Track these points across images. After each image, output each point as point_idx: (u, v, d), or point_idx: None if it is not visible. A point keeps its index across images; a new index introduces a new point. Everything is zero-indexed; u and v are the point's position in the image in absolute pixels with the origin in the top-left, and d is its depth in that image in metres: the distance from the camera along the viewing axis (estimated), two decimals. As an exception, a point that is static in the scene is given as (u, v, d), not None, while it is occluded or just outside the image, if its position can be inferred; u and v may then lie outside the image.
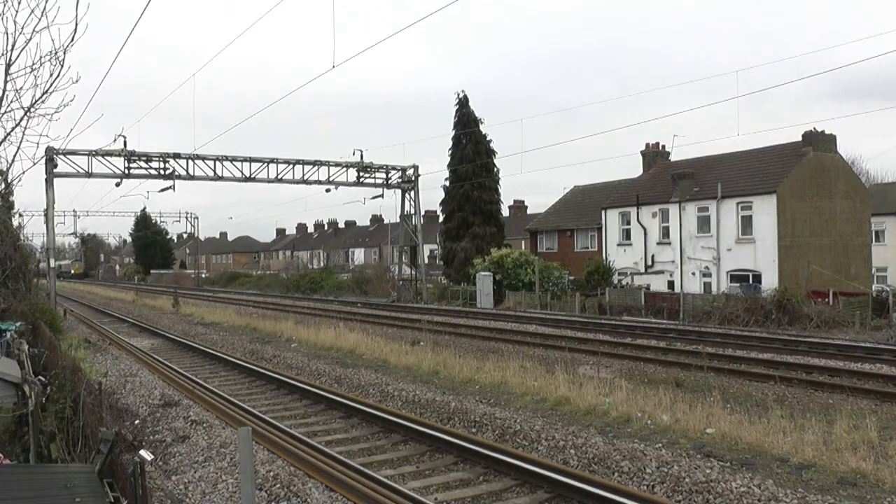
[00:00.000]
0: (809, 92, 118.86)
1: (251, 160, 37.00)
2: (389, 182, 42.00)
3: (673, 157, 40.60)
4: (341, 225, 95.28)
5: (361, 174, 40.36)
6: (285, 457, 9.03)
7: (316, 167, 38.61)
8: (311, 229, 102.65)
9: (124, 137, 33.58)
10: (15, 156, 8.72)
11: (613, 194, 40.65)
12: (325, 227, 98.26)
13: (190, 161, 35.62)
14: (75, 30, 7.22)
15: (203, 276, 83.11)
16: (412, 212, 43.10)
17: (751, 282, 30.97)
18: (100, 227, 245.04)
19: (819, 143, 32.44)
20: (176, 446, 10.03)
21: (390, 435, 10.55)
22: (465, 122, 44.60)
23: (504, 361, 15.36)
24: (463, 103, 45.03)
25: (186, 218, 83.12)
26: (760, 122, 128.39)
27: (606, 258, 37.52)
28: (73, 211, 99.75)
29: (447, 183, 45.87)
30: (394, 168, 41.82)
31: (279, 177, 37.71)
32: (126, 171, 34.30)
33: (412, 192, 42.55)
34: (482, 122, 44.87)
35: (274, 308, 37.07)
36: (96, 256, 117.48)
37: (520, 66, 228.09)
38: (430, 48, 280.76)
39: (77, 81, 7.90)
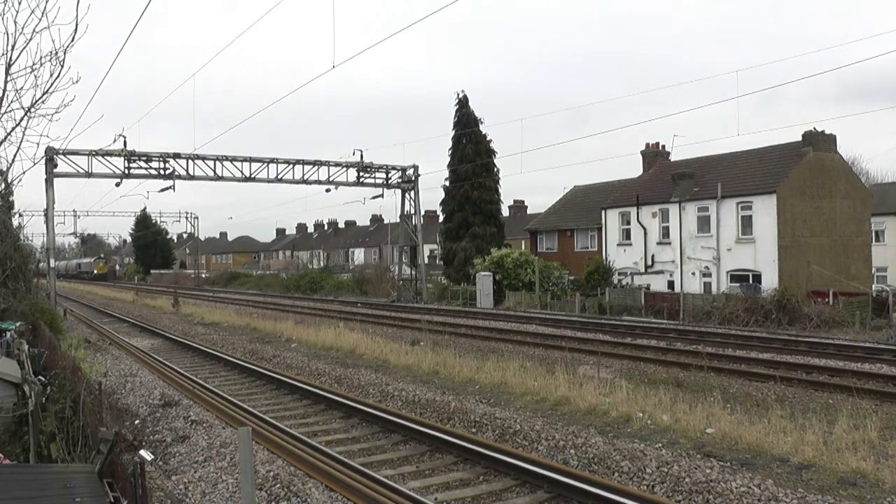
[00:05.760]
0: (815, 94, 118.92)
1: (251, 160, 36.98)
2: (389, 182, 41.98)
3: (673, 157, 40.61)
4: (341, 225, 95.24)
5: (361, 174, 40.34)
6: (285, 457, 9.02)
7: (316, 167, 38.59)
8: (311, 229, 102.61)
9: (124, 137, 33.60)
10: (15, 156, 8.75)
11: (613, 194, 40.64)
12: (325, 227, 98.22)
13: (190, 161, 35.60)
14: (75, 30, 7.24)
15: (203, 276, 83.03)
16: (412, 212, 43.09)
17: (751, 282, 30.96)
18: (100, 227, 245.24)
19: (819, 143, 32.43)
20: (176, 446, 10.02)
21: (390, 435, 10.54)
22: (465, 122, 44.59)
23: (504, 361, 15.35)
24: (463, 103, 45.01)
25: (186, 218, 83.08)
26: (767, 123, 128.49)
27: (606, 258, 37.51)
28: (73, 211, 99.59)
29: (447, 183, 45.86)
30: (394, 168, 41.81)
31: (279, 177, 37.70)
32: (126, 171, 34.28)
33: (412, 192, 42.54)
34: (482, 122, 44.90)
35: (274, 308, 37.06)
36: (96, 256, 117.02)
37: (521, 66, 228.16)
38: (430, 48, 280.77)
39: (77, 81, 7.92)
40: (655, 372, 15.26)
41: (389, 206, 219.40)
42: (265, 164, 37.17)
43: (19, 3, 7.27)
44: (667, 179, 36.48)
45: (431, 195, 73.95)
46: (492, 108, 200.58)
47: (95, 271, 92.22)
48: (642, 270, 36.08)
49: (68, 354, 12.47)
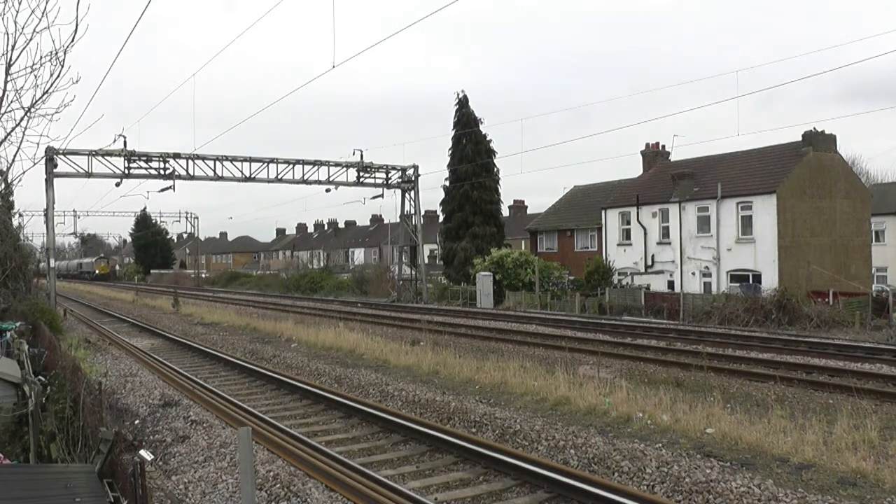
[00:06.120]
0: (815, 94, 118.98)
1: (251, 160, 36.99)
2: (389, 182, 41.99)
3: (673, 157, 40.61)
4: (341, 225, 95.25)
5: (361, 174, 40.35)
6: (285, 457, 9.03)
7: (316, 167, 38.60)
8: (311, 229, 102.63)
9: (124, 137, 33.62)
10: (15, 156, 8.74)
11: (613, 194, 40.64)
12: (325, 227, 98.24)
13: (190, 161, 35.61)
14: (76, 30, 7.23)
15: (203, 276, 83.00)
16: (412, 212, 43.10)
17: (751, 282, 30.96)
18: (100, 227, 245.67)
19: (819, 143, 32.43)
20: (176, 446, 10.03)
21: (390, 435, 10.55)
22: (465, 122, 44.60)
23: (504, 361, 15.35)
24: (463, 103, 45.02)
25: (186, 218, 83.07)
26: (767, 123, 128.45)
27: (606, 258, 37.51)
28: (73, 211, 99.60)
29: (447, 183, 45.87)
30: (394, 168, 41.82)
31: (279, 177, 37.70)
32: (126, 171, 34.29)
33: (412, 192, 42.55)
34: (482, 122, 44.92)
35: (274, 308, 37.06)
36: (98, 256, 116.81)
37: (521, 66, 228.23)
38: (430, 48, 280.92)
39: (77, 81, 7.91)
40: (655, 372, 15.26)
41: (389, 206, 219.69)
42: (265, 164, 37.17)
43: (19, 3, 7.26)
44: (667, 179, 36.49)
45: (431, 195, 74.05)
46: (492, 108, 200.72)
47: (97, 271, 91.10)
48: (642, 270, 36.08)
49: (68, 354, 12.48)
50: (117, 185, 35.21)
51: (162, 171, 35.04)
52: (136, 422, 11.57)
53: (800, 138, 33.03)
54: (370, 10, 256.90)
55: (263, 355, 19.39)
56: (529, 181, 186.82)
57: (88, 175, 33.65)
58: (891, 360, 15.79)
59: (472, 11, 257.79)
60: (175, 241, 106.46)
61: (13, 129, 8.23)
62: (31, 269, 26.91)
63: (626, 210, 37.65)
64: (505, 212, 52.17)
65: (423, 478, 8.63)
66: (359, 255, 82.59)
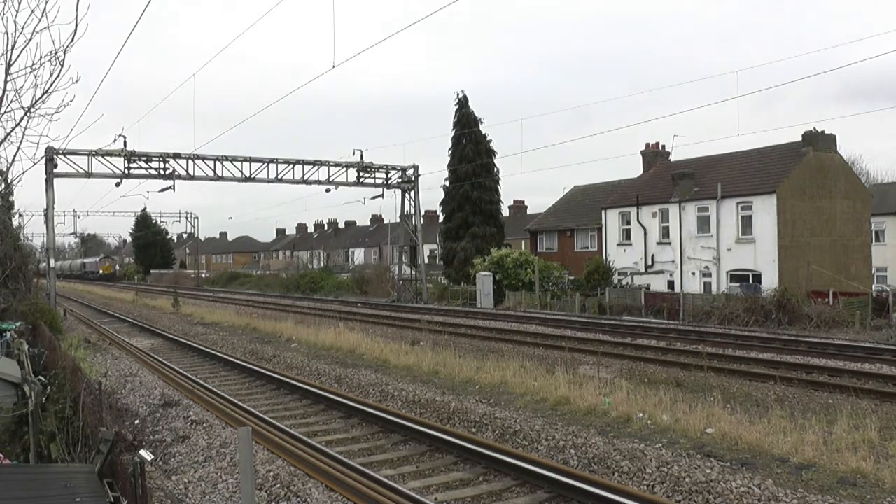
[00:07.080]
0: (815, 94, 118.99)
1: (251, 160, 36.98)
2: (389, 182, 41.99)
3: (673, 157, 40.61)
4: (341, 225, 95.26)
5: (361, 174, 40.35)
6: (285, 457, 9.03)
7: (316, 167, 38.60)
8: (311, 229, 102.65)
9: (124, 137, 33.62)
10: (15, 156, 8.78)
11: (613, 194, 40.65)
12: (325, 227, 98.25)
13: (190, 161, 35.60)
14: (75, 30, 7.25)
15: (203, 276, 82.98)
16: (412, 212, 43.10)
17: (751, 282, 30.96)
18: (100, 227, 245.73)
19: (819, 143, 32.44)
20: (176, 446, 10.03)
21: (390, 435, 10.55)
22: (465, 122, 44.60)
23: (504, 361, 15.35)
24: (463, 103, 45.02)
25: (186, 218, 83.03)
26: (767, 123, 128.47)
27: (606, 258, 37.51)
28: (73, 211, 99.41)
29: (447, 183, 45.88)
30: (394, 168, 41.82)
31: (279, 177, 37.70)
32: (126, 171, 34.29)
33: (412, 192, 42.54)
34: (482, 122, 44.92)
35: (274, 308, 37.06)
36: (102, 255, 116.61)
37: (521, 66, 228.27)
38: (430, 48, 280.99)
39: (77, 81, 7.93)
40: (655, 372, 15.26)
41: (389, 206, 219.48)
42: (265, 164, 37.17)
43: (19, 3, 7.28)
44: (667, 179, 36.49)
45: (431, 195, 73.99)
46: (492, 108, 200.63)
47: (101, 271, 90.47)
48: (642, 270, 36.08)
49: (68, 354, 12.48)
50: (117, 185, 35.22)
51: (162, 171, 35.03)
52: (136, 422, 11.57)
53: (800, 138, 33.05)
54: (370, 10, 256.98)
55: (263, 355, 19.39)
56: (529, 181, 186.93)
57: (88, 175, 33.65)
58: (891, 360, 15.79)
59: (472, 11, 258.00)
60: (175, 241, 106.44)
61: (13, 129, 8.26)
62: (31, 269, 26.94)
63: (626, 210, 37.64)
64: (505, 212, 52.16)
65: (423, 478, 8.63)
66: (359, 255, 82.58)
